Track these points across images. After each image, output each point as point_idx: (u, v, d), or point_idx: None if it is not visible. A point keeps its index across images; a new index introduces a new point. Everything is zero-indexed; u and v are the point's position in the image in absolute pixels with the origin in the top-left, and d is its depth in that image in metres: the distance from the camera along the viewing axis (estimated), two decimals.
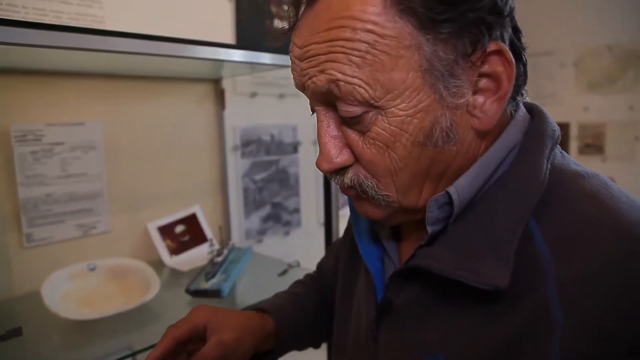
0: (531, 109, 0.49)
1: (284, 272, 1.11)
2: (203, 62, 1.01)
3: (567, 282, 0.37)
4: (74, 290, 0.99)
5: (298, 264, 1.15)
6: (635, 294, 0.34)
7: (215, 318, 0.59)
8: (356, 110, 0.42)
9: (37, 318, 0.95)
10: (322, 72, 0.42)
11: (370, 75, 0.40)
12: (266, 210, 1.52)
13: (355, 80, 0.40)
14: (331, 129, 0.45)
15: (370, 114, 0.42)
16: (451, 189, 0.43)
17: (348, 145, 0.45)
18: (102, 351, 0.86)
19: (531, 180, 0.42)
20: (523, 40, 0.45)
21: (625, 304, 0.35)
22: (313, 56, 0.42)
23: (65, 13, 1.07)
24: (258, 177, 1.49)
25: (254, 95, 1.47)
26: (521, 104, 0.48)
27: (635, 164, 2.66)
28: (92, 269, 1.03)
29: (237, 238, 1.45)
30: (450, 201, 0.43)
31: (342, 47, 0.40)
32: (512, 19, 0.44)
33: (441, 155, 0.43)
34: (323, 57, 0.41)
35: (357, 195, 0.48)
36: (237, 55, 0.93)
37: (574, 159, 0.47)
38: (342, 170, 0.46)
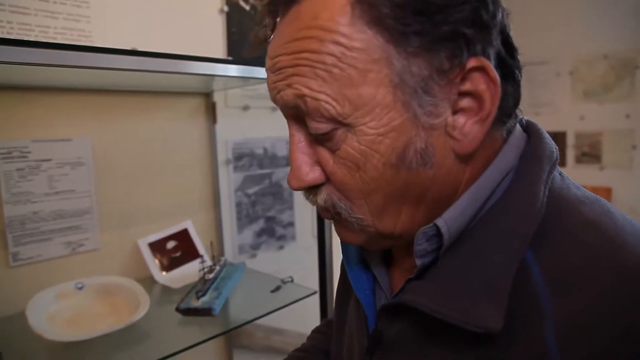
0: (527, 129, 0.46)
1: (277, 289, 1.08)
2: (194, 76, 1.00)
3: (566, 325, 0.34)
4: (61, 310, 0.96)
5: (292, 280, 1.12)
6: (635, 343, 0.32)
7: None
8: (324, 127, 0.39)
9: (21, 341, 0.92)
10: (289, 86, 0.40)
11: (337, 90, 0.38)
12: (260, 224, 1.50)
13: (321, 96, 0.38)
14: (302, 145, 0.43)
15: (340, 132, 0.39)
16: (440, 222, 0.40)
17: (319, 163, 0.43)
18: None
19: (527, 210, 0.39)
20: (519, 57, 0.42)
21: (624, 352, 0.32)
22: (281, 68, 0.40)
23: (52, 28, 1.05)
24: (251, 191, 1.47)
25: (246, 108, 1.45)
26: (517, 126, 0.45)
27: (633, 172, 2.64)
28: (80, 288, 1.01)
29: (230, 253, 1.42)
30: (439, 233, 0.40)
31: (308, 59, 0.38)
32: (503, 34, 0.40)
33: (417, 179, 0.40)
34: (290, 70, 0.39)
35: (332, 219, 0.45)
36: (229, 69, 0.91)
37: (574, 182, 0.44)
38: (313, 188, 0.44)
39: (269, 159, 1.51)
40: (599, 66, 2.73)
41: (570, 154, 2.82)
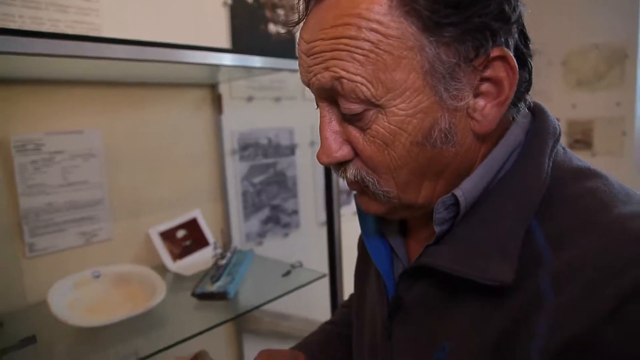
0: (533, 108, 0.50)
1: (288, 273, 1.12)
2: (199, 68, 1.02)
3: (559, 270, 0.38)
4: (80, 298, 0.99)
5: (301, 264, 1.15)
6: (615, 282, 0.36)
7: (272, 352, 0.69)
8: (357, 107, 0.43)
9: (45, 327, 0.95)
10: (326, 69, 0.43)
11: (372, 73, 0.41)
12: (265, 212, 1.53)
13: (357, 78, 0.41)
14: (333, 125, 0.46)
15: (371, 112, 0.43)
16: (458, 192, 0.44)
17: (349, 141, 0.46)
18: (112, 357, 0.87)
19: (533, 181, 0.43)
20: (531, 46, 0.46)
21: (606, 290, 0.36)
22: (318, 53, 0.43)
23: (62, 21, 1.07)
24: (256, 180, 1.50)
25: (250, 99, 1.48)
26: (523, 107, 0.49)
27: (623, 158, 2.71)
28: (97, 277, 1.04)
29: (237, 241, 1.45)
30: (456, 202, 0.44)
31: (347, 45, 0.41)
32: (520, 25, 0.44)
33: (439, 156, 0.44)
34: (328, 54, 0.42)
35: (361, 191, 0.49)
36: (233, 59, 0.94)
37: (576, 155, 0.47)
38: (343, 164, 0.47)
39: (273, 149, 1.54)
40: (591, 56, 2.78)
41: (564, 141, 2.86)
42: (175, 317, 1.00)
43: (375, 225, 0.57)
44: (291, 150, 1.60)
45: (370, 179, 0.46)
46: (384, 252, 0.55)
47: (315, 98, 0.48)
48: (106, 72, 1.03)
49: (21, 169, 1.04)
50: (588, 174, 0.44)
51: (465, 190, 0.44)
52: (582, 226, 0.39)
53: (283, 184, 1.58)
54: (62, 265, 1.11)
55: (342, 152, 0.46)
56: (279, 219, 1.58)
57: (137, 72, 1.06)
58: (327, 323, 0.82)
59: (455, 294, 0.45)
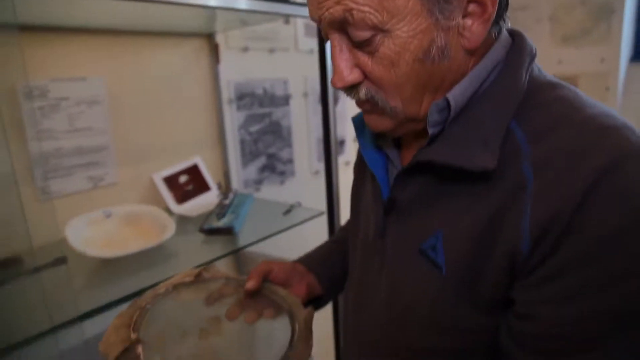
0: (512, 33, 0.57)
1: (289, 211, 1.19)
2: (197, 15, 1.05)
3: (538, 157, 0.46)
4: (94, 235, 1.05)
5: (300, 204, 1.23)
6: (584, 166, 0.43)
7: (272, 262, 0.76)
8: (366, 34, 0.49)
9: (59, 269, 1.01)
10: (337, 3, 0.49)
11: (378, 2, 0.47)
12: (262, 160, 1.59)
13: (366, 8, 0.47)
14: (343, 52, 0.53)
15: (378, 37, 0.49)
16: (449, 95, 0.51)
17: (358, 65, 0.53)
18: (129, 286, 0.93)
19: (512, 89, 0.51)
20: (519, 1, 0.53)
21: (577, 171, 0.43)
22: None
23: None
24: (253, 129, 1.55)
25: (245, 49, 1.51)
26: (504, 29, 0.56)
27: None
28: (108, 216, 1.10)
29: (236, 187, 1.52)
30: (447, 106, 0.51)
31: None
32: None
33: (437, 70, 0.51)
34: None
35: (370, 110, 0.56)
36: (232, 2, 0.95)
37: (551, 75, 0.55)
38: (355, 87, 0.54)
39: (269, 99, 1.59)
40: (577, 12, 2.81)
41: None
42: (184, 251, 1.07)
43: (373, 141, 0.64)
44: (285, 100, 1.65)
45: (380, 97, 0.53)
46: (380, 162, 0.62)
47: (324, 31, 0.54)
48: (109, 20, 1.06)
49: (29, 115, 1.08)
50: (560, 85, 0.52)
51: (455, 95, 0.51)
52: (555, 124, 0.47)
53: (278, 133, 1.64)
54: (72, 208, 1.16)
55: (353, 75, 0.53)
56: (275, 167, 1.64)
57: (139, 20, 1.10)
58: (327, 242, 0.90)
59: (446, 187, 0.52)
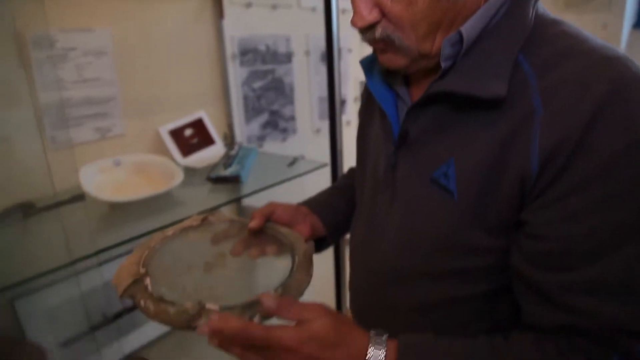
0: None
1: (293, 163, 1.22)
2: None
3: (546, 87, 0.49)
4: (104, 182, 1.09)
5: (303, 157, 1.26)
6: (590, 94, 0.46)
7: (276, 203, 0.78)
8: None
9: (75, 208, 1.05)
10: None
11: None
12: (264, 117, 1.62)
13: None
14: None
15: None
16: (462, 29, 0.54)
17: (377, 5, 0.55)
18: (140, 228, 0.97)
19: (520, 24, 0.54)
20: None
21: (584, 100, 0.47)
22: None
23: None
24: (256, 85, 1.57)
25: (249, 5, 1.51)
26: None
27: None
28: (118, 164, 1.13)
29: (240, 140, 1.55)
30: (460, 40, 0.54)
31: None
32: None
33: (452, 8, 0.54)
34: None
35: (384, 48, 0.59)
36: None
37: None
38: (371, 27, 0.57)
39: (271, 56, 1.60)
40: None
41: None
42: (191, 198, 1.11)
43: (382, 80, 0.67)
44: (288, 58, 1.66)
45: (396, 35, 0.56)
46: (390, 100, 0.66)
47: None
48: None
49: (39, 65, 1.10)
50: (564, 22, 0.55)
51: (467, 29, 0.54)
52: (562, 56, 0.50)
53: (280, 90, 1.66)
54: (82, 158, 1.19)
55: (372, 15, 0.55)
56: (277, 124, 1.67)
57: None
58: (329, 187, 0.94)
59: (458, 117, 0.56)
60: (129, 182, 1.12)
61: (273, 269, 0.63)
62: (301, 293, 0.57)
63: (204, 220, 0.76)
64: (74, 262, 0.81)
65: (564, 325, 0.51)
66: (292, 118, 1.72)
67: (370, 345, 0.52)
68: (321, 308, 0.53)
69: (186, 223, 0.76)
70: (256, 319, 0.51)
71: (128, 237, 0.89)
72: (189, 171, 1.27)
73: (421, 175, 0.60)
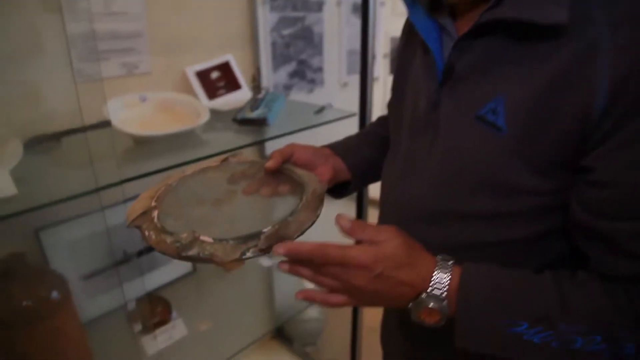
0: None
1: (321, 110, 1.19)
2: None
3: (613, 16, 0.45)
4: (130, 117, 1.08)
5: (331, 106, 1.23)
6: None
7: (296, 144, 0.75)
8: None
9: (101, 141, 1.04)
10: None
11: None
12: (292, 66, 1.57)
13: None
14: None
15: None
16: None
17: None
18: (163, 163, 0.96)
19: None
20: None
21: None
22: None
23: None
24: (285, 32, 1.52)
25: None
26: None
27: None
28: (144, 100, 1.11)
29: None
30: None
31: None
32: None
33: None
34: None
35: None
36: None
37: None
38: None
39: (302, 3, 1.54)
40: None
41: None
42: (216, 138, 1.10)
43: (426, 14, 0.63)
44: (319, 6, 1.60)
45: None
46: (434, 33, 0.61)
47: None
48: None
49: None
50: None
51: None
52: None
53: (309, 39, 1.61)
54: (108, 92, 1.18)
55: None
56: (305, 74, 1.63)
57: None
58: (355, 133, 0.90)
59: (509, 49, 0.52)
60: (154, 119, 1.10)
61: (280, 207, 0.61)
62: (301, 232, 0.55)
63: (224, 161, 0.76)
64: (98, 190, 0.80)
65: (636, 274, 0.48)
66: (319, 69, 1.67)
67: (436, 268, 0.53)
68: (395, 230, 0.55)
69: (206, 163, 0.75)
70: (249, 253, 0.51)
71: (152, 170, 0.88)
72: (214, 113, 1.25)
73: (467, 113, 0.56)
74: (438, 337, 0.58)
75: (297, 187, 0.66)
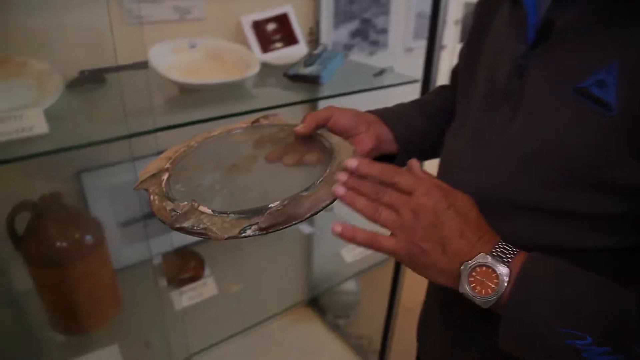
0: None
1: (380, 73, 1.09)
2: None
3: None
4: (177, 63, 1.02)
5: (392, 70, 1.12)
6: None
7: (336, 107, 0.64)
8: None
9: (143, 84, 0.99)
10: None
11: None
12: (355, 24, 1.46)
13: None
14: None
15: None
16: None
17: None
18: (206, 113, 0.89)
19: None
20: None
21: None
22: None
23: None
24: None
25: None
26: None
27: None
28: (193, 46, 1.05)
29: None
30: None
31: None
32: None
33: None
34: None
35: None
36: None
37: None
38: None
39: None
40: None
41: None
42: (264, 93, 1.03)
43: None
44: None
45: None
46: None
47: None
48: None
49: None
50: None
51: None
52: None
53: None
54: (157, 36, 1.12)
55: None
56: (368, 35, 1.51)
57: None
58: (410, 101, 0.78)
59: (628, 4, 0.40)
60: (201, 66, 1.04)
61: (300, 180, 0.53)
62: (315, 211, 0.47)
63: (254, 122, 0.67)
64: (129, 137, 0.76)
65: None
66: (384, 31, 1.55)
67: (500, 241, 0.46)
68: None
69: (235, 124, 0.67)
70: (249, 232, 0.45)
71: (189, 120, 0.82)
72: (266, 67, 1.17)
73: (562, 84, 0.45)
74: (478, 335, 0.50)
75: (327, 157, 0.56)
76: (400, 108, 0.75)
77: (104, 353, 1.03)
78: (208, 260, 1.28)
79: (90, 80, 0.97)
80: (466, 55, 0.64)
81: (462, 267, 0.44)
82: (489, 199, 0.51)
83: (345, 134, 0.62)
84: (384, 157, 0.69)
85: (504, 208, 0.51)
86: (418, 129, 0.71)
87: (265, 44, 1.23)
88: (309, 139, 0.61)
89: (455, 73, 0.74)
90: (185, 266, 1.23)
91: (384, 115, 0.69)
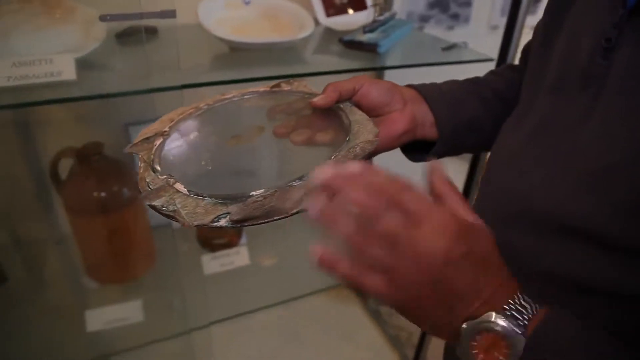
0: None
1: (451, 47, 0.96)
2: None
3: None
4: (228, 18, 0.96)
5: (466, 45, 0.98)
6: None
7: (367, 78, 0.53)
8: None
9: (193, 39, 0.94)
10: None
11: None
12: None
13: None
14: None
15: None
16: None
17: None
18: (243, 75, 0.82)
19: None
20: None
21: None
22: None
23: None
24: None
25: None
26: None
27: None
28: (247, 3, 0.98)
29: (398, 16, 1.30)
30: None
31: None
32: None
33: None
34: None
35: None
36: None
37: None
38: None
39: None
40: None
41: None
42: (315, 58, 0.95)
43: None
44: None
45: None
46: None
47: None
48: None
49: None
50: None
51: None
52: None
53: None
54: None
55: None
56: (448, 6, 1.36)
57: None
58: (462, 80, 0.63)
59: None
60: (253, 24, 0.97)
61: (302, 164, 0.44)
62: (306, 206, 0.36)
63: (274, 87, 0.58)
64: (152, 91, 0.71)
65: None
66: (467, 4, 1.39)
67: (519, 291, 0.33)
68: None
69: (253, 88, 0.59)
70: (223, 221, 0.37)
71: (219, 80, 0.77)
72: (327, 32, 1.08)
73: None
74: None
75: (342, 137, 0.46)
76: (450, 85, 0.61)
77: (127, 307, 1.03)
78: (246, 230, 1.24)
79: (136, 33, 0.93)
80: (542, 30, 0.51)
81: (464, 326, 0.32)
82: (538, 215, 0.40)
83: (374, 111, 0.52)
84: (418, 145, 0.57)
85: (552, 229, 0.39)
86: (467, 114, 0.58)
87: (331, 7, 1.13)
88: (329, 113, 0.51)
89: (526, 51, 0.60)
90: (221, 231, 1.20)
91: (427, 92, 0.57)
